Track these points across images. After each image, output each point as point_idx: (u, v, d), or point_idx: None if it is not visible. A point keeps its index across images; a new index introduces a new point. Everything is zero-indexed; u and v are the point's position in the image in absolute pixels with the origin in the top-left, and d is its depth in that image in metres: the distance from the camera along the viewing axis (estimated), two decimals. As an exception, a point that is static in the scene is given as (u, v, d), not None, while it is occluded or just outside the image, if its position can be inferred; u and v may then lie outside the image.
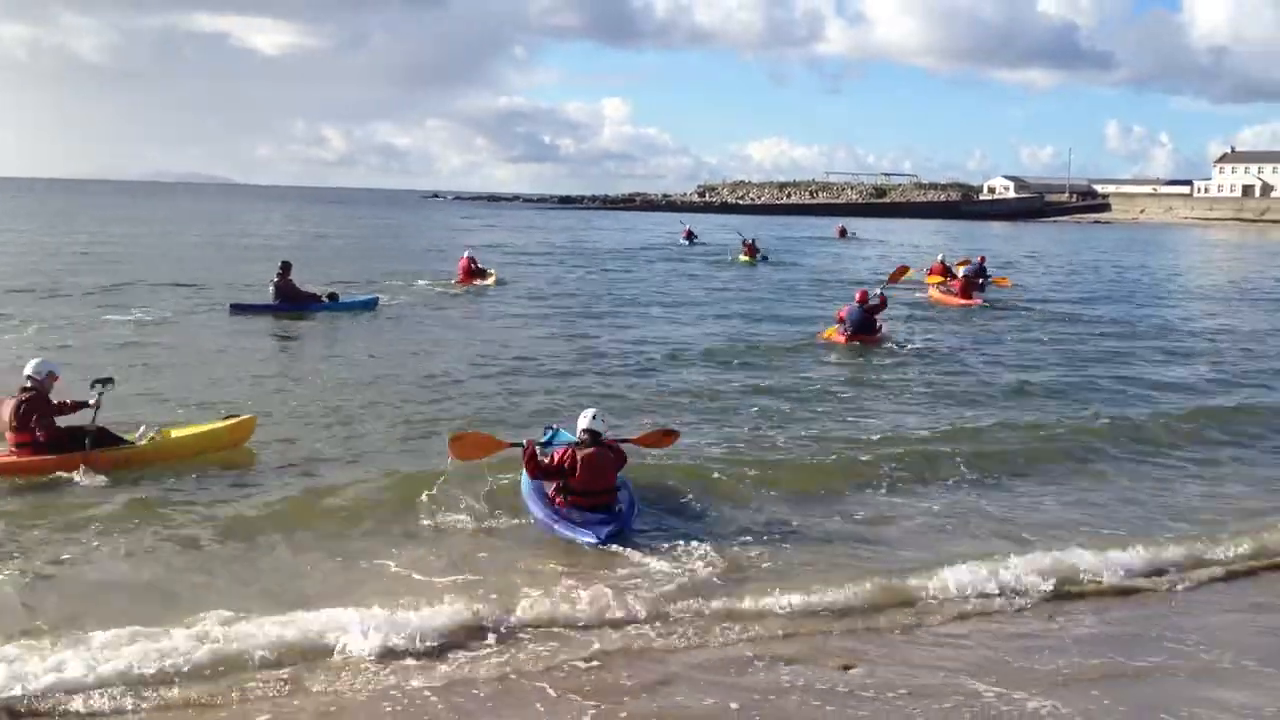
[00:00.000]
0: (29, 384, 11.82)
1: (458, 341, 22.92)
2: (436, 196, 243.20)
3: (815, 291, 36.26)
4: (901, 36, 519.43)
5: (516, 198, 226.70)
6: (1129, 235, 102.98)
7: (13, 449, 11.77)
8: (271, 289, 26.32)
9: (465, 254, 35.38)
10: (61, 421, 11.98)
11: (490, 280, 34.26)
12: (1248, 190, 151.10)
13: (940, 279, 36.29)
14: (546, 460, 10.70)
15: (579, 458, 10.45)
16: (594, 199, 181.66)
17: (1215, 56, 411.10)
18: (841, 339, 23.17)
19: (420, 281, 34.37)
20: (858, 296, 23.77)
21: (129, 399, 14.98)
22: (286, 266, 26.73)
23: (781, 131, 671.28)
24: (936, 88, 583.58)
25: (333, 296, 26.90)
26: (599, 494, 10.52)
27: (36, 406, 11.70)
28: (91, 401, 12.06)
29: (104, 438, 12.09)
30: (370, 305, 27.57)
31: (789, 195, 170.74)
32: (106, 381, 12.21)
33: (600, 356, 21.26)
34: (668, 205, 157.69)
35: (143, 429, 12.51)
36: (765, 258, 49.92)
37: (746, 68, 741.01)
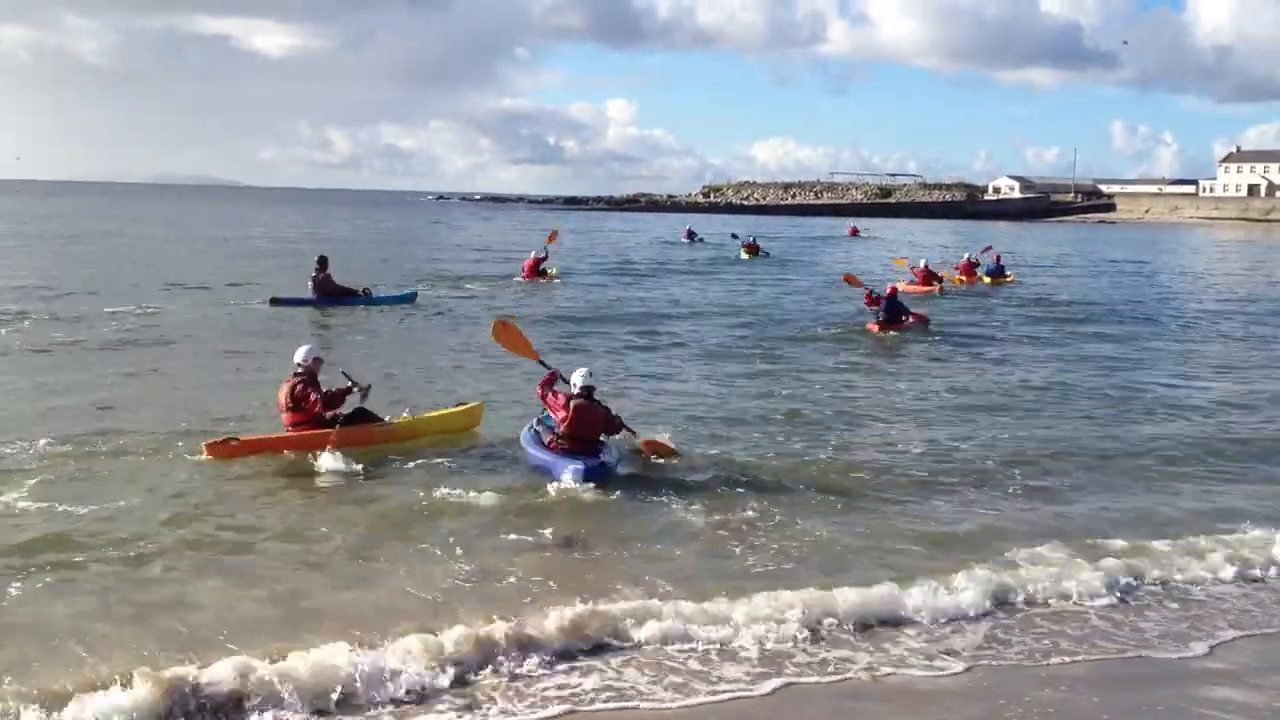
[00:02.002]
0: (299, 369, 12.86)
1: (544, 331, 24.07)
2: (443, 199, 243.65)
3: (838, 289, 37.11)
4: (905, 37, 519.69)
5: (522, 199, 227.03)
6: (1134, 235, 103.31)
7: (289, 428, 12.81)
8: (310, 284, 26.92)
9: (532, 253, 37.66)
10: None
11: (553, 276, 36.87)
12: (1253, 190, 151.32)
13: (965, 277, 39.84)
14: (555, 396, 12.41)
15: (572, 405, 12.13)
16: (599, 200, 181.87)
17: (1219, 56, 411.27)
18: (874, 328, 24.99)
19: (497, 277, 37.07)
20: (889, 290, 25.84)
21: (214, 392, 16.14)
22: (324, 262, 27.37)
23: (786, 132, 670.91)
24: (940, 88, 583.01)
25: (367, 291, 27.54)
26: (585, 441, 12.16)
27: (309, 388, 12.74)
28: (357, 390, 13.02)
29: (363, 416, 13.11)
30: (409, 300, 28.07)
31: (794, 196, 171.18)
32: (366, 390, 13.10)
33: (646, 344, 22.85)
34: (672, 206, 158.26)
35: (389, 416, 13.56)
36: (766, 253, 53.96)
37: (750, 69, 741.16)
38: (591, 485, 11.58)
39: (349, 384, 12.96)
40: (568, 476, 11.65)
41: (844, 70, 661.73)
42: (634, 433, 12.88)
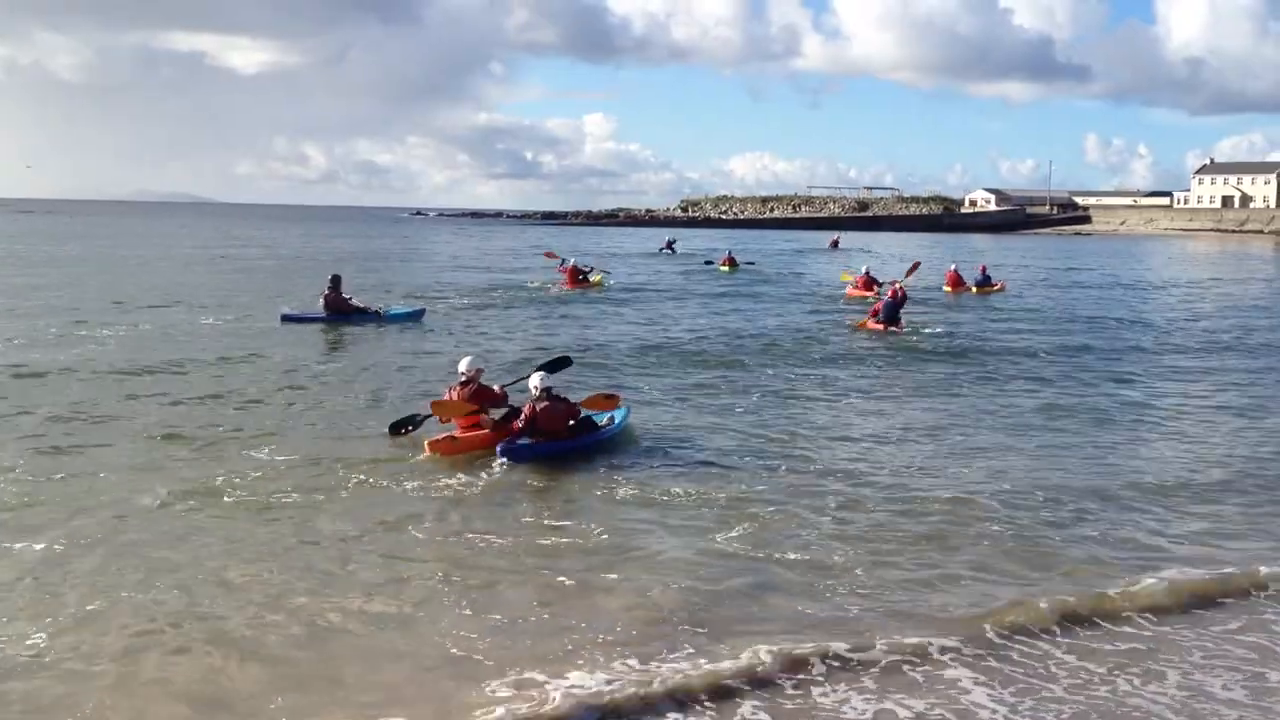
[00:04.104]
0: (464, 378, 14.31)
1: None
2: (420, 214, 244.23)
3: (822, 297, 38.57)
4: (878, 51, 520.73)
5: (500, 214, 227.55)
6: (1113, 247, 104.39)
7: (463, 429, 14.09)
8: (321, 302, 27.33)
9: (571, 261, 41.40)
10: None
11: (596, 281, 40.25)
12: (1227, 201, 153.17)
13: (951, 288, 41.64)
14: (520, 420, 13.84)
15: (536, 409, 13.75)
16: (578, 215, 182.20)
17: (1191, 68, 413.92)
18: (878, 327, 27.21)
19: (534, 286, 40.13)
20: (889, 293, 28.46)
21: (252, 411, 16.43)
22: (336, 280, 27.71)
23: (763, 146, 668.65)
24: (915, 102, 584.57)
25: (379, 312, 27.91)
26: (555, 432, 13.82)
27: (480, 394, 14.27)
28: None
29: (513, 415, 14.31)
30: (417, 317, 28.37)
31: (772, 209, 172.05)
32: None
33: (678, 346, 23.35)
34: (651, 220, 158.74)
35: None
36: (751, 262, 57.94)
37: (727, 83, 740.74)
38: (505, 462, 13.32)
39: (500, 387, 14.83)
40: (498, 457, 13.43)
41: (819, 84, 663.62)
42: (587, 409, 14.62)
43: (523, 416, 13.76)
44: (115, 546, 10.31)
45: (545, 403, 13.78)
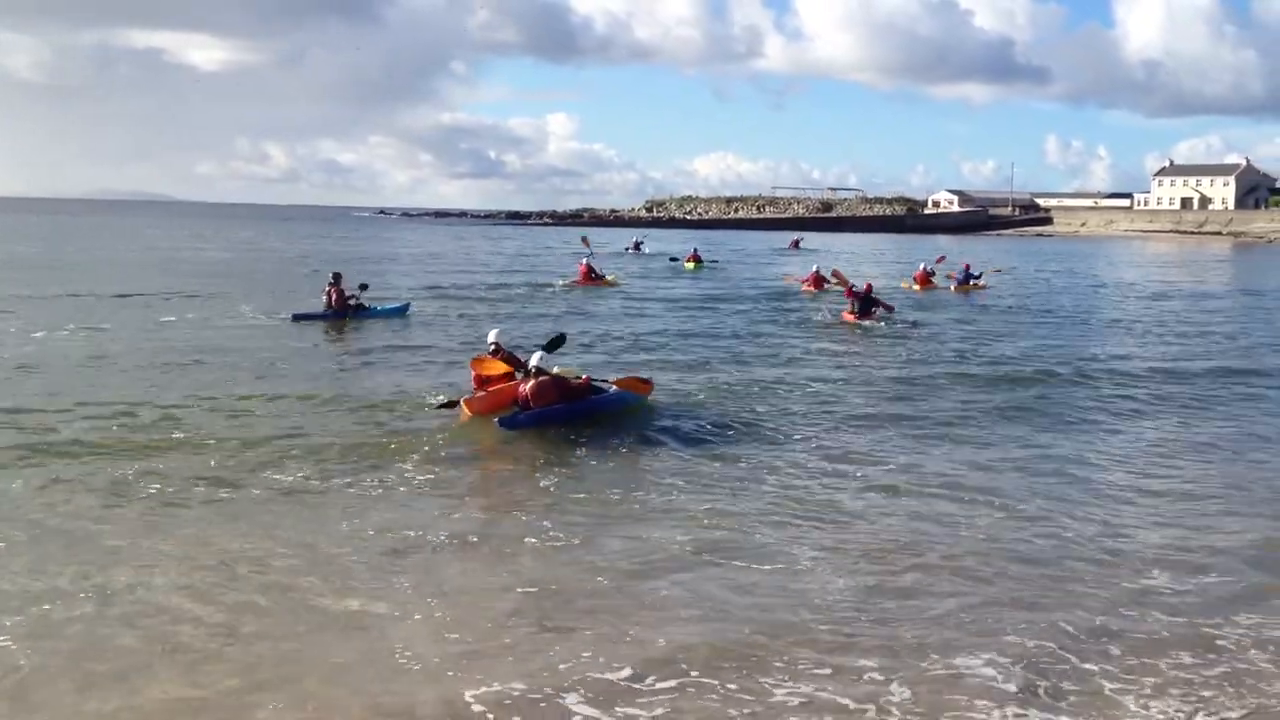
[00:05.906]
0: (492, 346, 16.35)
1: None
2: (383, 213, 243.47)
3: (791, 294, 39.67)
4: (841, 52, 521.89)
5: (464, 214, 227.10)
6: (1076, 248, 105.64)
7: (492, 389, 15.69)
8: (325, 299, 28.18)
9: (584, 261, 43.69)
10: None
11: (609, 281, 41.89)
12: (1186, 203, 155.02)
13: (919, 285, 42.25)
14: (516, 396, 15.12)
15: (526, 388, 14.98)
16: (542, 215, 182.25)
17: (1149, 71, 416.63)
18: (851, 318, 29.51)
19: (558, 282, 42.35)
20: (864, 287, 30.38)
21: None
22: (338, 277, 28.74)
23: (727, 146, 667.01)
24: (878, 103, 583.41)
25: (362, 305, 28.55)
26: (547, 404, 14.92)
27: (509, 359, 16.01)
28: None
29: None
30: (402, 312, 29.62)
31: (736, 210, 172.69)
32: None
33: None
34: (616, 221, 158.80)
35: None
36: (715, 262, 59.12)
37: (690, 83, 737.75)
38: (502, 429, 14.47)
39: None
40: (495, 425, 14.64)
41: (782, 85, 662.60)
42: (606, 381, 16.19)
43: (518, 396, 15.05)
44: (77, 537, 10.33)
45: (531, 381, 14.97)
